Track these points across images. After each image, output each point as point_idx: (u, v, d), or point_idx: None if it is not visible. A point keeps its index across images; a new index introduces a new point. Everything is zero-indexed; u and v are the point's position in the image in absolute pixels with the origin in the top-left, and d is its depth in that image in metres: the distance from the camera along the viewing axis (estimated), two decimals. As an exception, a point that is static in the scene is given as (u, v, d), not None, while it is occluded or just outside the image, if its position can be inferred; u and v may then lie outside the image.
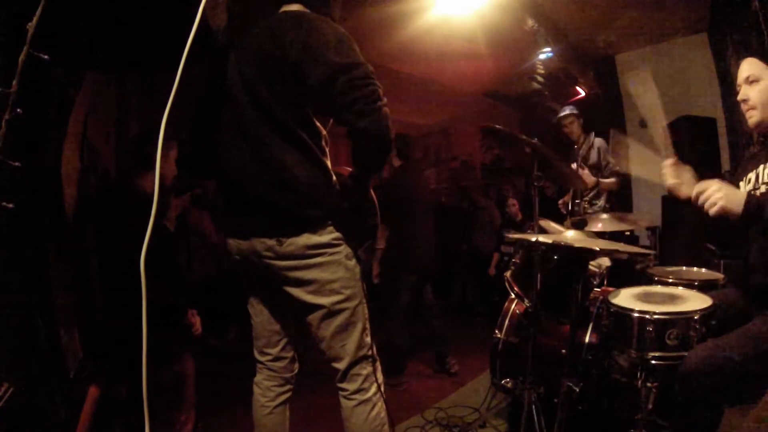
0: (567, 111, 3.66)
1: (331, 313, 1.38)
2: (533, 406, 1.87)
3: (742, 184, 1.59)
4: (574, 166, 3.36)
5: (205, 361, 3.14)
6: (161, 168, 2.09)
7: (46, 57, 1.11)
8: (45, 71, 1.17)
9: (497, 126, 1.87)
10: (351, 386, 1.42)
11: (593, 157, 3.44)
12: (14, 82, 1.11)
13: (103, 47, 2.21)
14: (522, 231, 4.39)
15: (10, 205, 1.15)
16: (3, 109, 1.10)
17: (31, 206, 1.77)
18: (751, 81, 1.51)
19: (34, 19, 1.11)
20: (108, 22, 2.00)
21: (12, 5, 1.24)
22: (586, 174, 3.39)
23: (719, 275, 2.12)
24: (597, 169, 3.47)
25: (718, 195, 1.31)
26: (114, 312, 1.96)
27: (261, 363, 1.59)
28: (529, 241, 1.45)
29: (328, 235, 1.35)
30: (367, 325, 1.44)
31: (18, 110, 1.11)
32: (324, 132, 1.43)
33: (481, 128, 7.17)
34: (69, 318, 2.23)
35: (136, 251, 1.02)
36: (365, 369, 1.43)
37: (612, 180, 3.47)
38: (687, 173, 1.60)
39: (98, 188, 2.71)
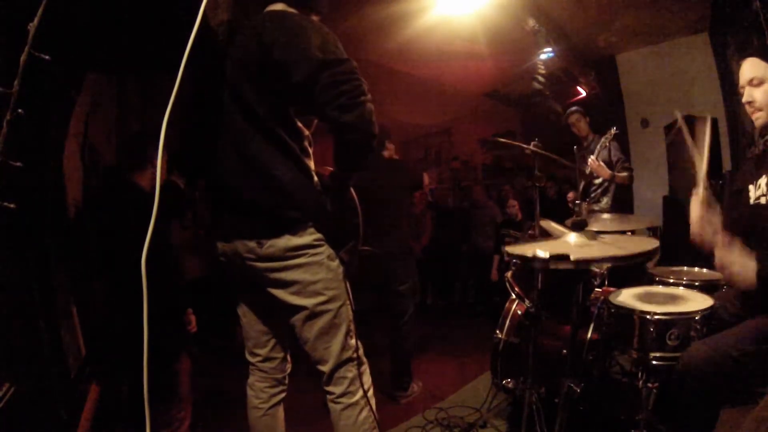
0: (573, 108, 3.77)
1: (314, 314, 1.36)
2: (534, 407, 1.87)
3: (752, 187, 1.57)
4: (591, 158, 3.41)
5: (206, 361, 3.15)
6: (155, 169, 2.11)
7: (47, 57, 1.11)
8: (46, 72, 1.17)
9: (498, 138, 1.87)
10: (337, 389, 1.40)
11: (603, 154, 3.46)
12: (15, 83, 1.11)
13: (103, 48, 2.22)
14: (522, 231, 4.39)
15: (12, 206, 1.15)
16: (4, 109, 1.10)
17: (33, 206, 1.78)
18: (755, 83, 1.49)
19: (36, 20, 1.12)
20: (109, 22, 2.00)
21: (13, 6, 1.24)
22: (602, 167, 3.43)
23: (720, 275, 2.12)
24: (607, 165, 3.50)
25: (733, 274, 1.40)
26: (115, 311, 1.96)
27: (252, 364, 1.58)
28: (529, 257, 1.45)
29: (309, 236, 1.34)
30: (352, 327, 1.42)
31: (19, 110, 1.11)
32: (307, 132, 1.42)
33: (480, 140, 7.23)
34: (70, 318, 2.24)
35: (136, 249, 1.03)
36: (350, 372, 1.41)
37: (625, 174, 3.54)
38: (715, 215, 1.52)
39: (99, 188, 2.72)
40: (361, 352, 1.45)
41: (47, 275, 1.99)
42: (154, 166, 2.07)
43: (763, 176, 1.54)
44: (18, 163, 1.13)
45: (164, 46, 1.49)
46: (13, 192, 1.16)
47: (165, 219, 2.03)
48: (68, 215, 2.30)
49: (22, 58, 1.10)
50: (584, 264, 1.46)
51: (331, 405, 1.43)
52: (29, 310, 1.72)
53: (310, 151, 1.43)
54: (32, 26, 1.11)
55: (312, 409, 2.09)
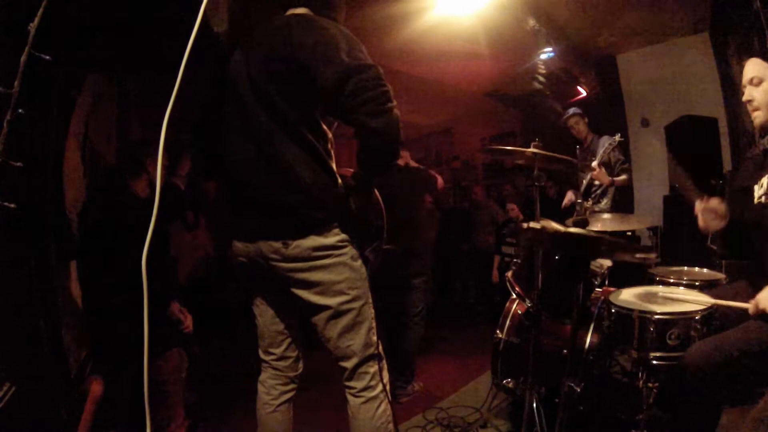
0: (571, 111, 3.77)
1: (338, 313, 1.39)
2: (534, 407, 1.87)
3: (756, 187, 1.59)
4: (594, 164, 3.42)
5: (206, 361, 3.15)
6: (151, 174, 2.13)
7: (47, 58, 1.11)
8: (46, 72, 1.17)
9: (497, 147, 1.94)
10: (358, 384, 1.44)
11: (603, 155, 3.46)
12: (16, 83, 1.11)
13: (104, 48, 2.22)
14: (523, 231, 4.38)
15: (12, 206, 1.15)
16: (5, 109, 1.10)
17: (33, 206, 1.77)
18: (755, 82, 1.53)
19: (36, 20, 1.12)
20: (109, 22, 2.00)
21: (14, 6, 1.24)
22: (602, 173, 3.44)
23: (721, 275, 2.12)
24: (606, 167, 3.51)
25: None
26: (114, 311, 1.96)
27: (265, 362, 1.60)
28: (532, 232, 1.49)
29: (334, 237, 1.36)
30: (373, 325, 1.46)
31: (20, 111, 1.11)
32: (329, 134, 1.44)
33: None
34: (70, 318, 2.23)
35: (134, 250, 1.03)
36: (372, 367, 1.45)
37: (624, 177, 3.56)
38: (720, 206, 1.61)
39: (99, 189, 2.72)
40: (381, 348, 1.48)
41: (47, 275, 1.99)
42: (149, 173, 2.10)
43: (765, 176, 1.55)
44: (18, 163, 1.13)
45: (164, 46, 1.49)
46: (13, 192, 1.16)
47: (163, 220, 2.03)
48: (68, 215, 2.30)
49: (22, 58, 1.10)
50: (578, 239, 1.47)
51: (351, 399, 1.46)
52: (29, 310, 1.71)
53: (332, 153, 1.44)
54: (32, 26, 1.11)
55: (316, 407, 2.10)
